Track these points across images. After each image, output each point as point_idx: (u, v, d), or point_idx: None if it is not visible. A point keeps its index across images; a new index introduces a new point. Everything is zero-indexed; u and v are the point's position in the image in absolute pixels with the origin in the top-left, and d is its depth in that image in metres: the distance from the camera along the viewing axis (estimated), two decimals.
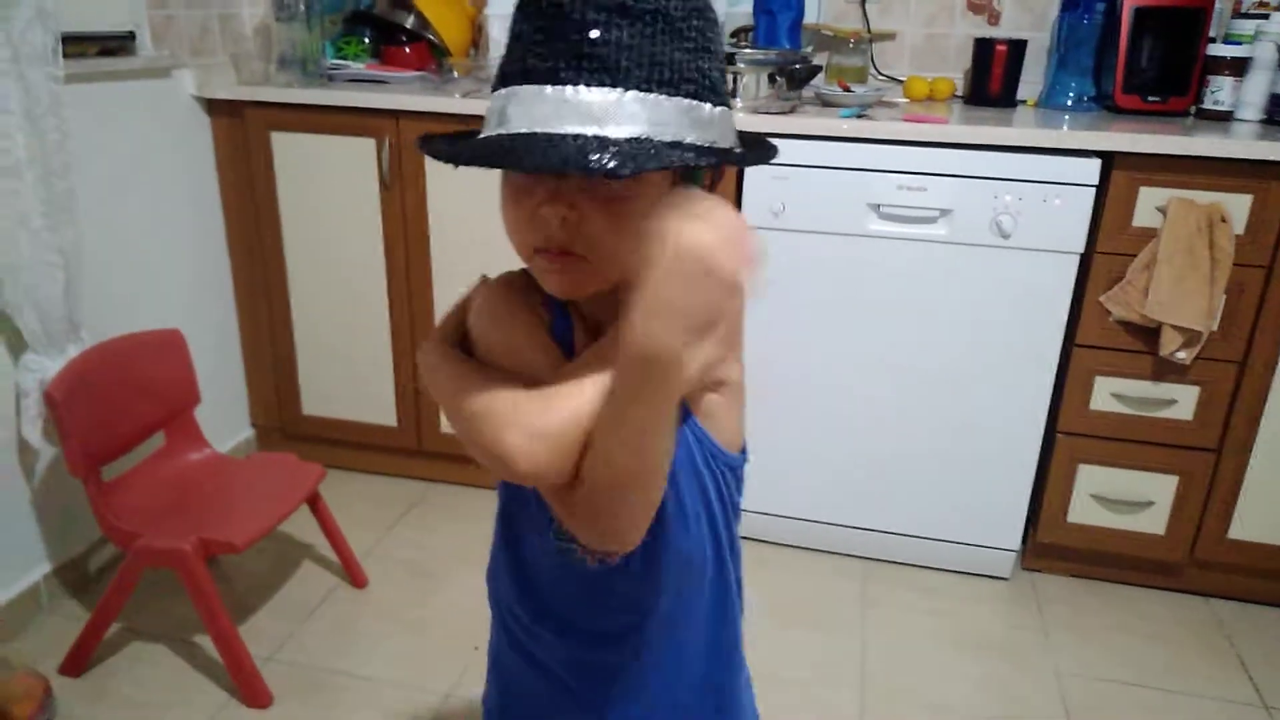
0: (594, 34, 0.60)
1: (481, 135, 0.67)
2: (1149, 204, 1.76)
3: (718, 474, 0.77)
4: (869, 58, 2.28)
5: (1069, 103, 2.14)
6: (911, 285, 1.88)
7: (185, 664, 1.72)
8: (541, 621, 0.83)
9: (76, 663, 1.68)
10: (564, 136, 0.61)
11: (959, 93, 2.30)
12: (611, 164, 0.57)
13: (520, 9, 0.65)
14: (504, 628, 0.89)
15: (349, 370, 2.30)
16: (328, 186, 2.15)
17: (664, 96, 0.62)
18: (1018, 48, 2.11)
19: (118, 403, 1.71)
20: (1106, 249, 1.80)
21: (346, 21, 2.41)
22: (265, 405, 2.42)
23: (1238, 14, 2.03)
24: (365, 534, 2.14)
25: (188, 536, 1.57)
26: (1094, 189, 1.75)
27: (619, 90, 0.61)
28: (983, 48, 2.13)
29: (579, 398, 0.64)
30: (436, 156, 0.65)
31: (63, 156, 1.66)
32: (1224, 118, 2.01)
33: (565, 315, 0.74)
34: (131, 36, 1.99)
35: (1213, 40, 2.01)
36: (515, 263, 0.73)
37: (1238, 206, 1.73)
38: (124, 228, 1.99)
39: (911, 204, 1.83)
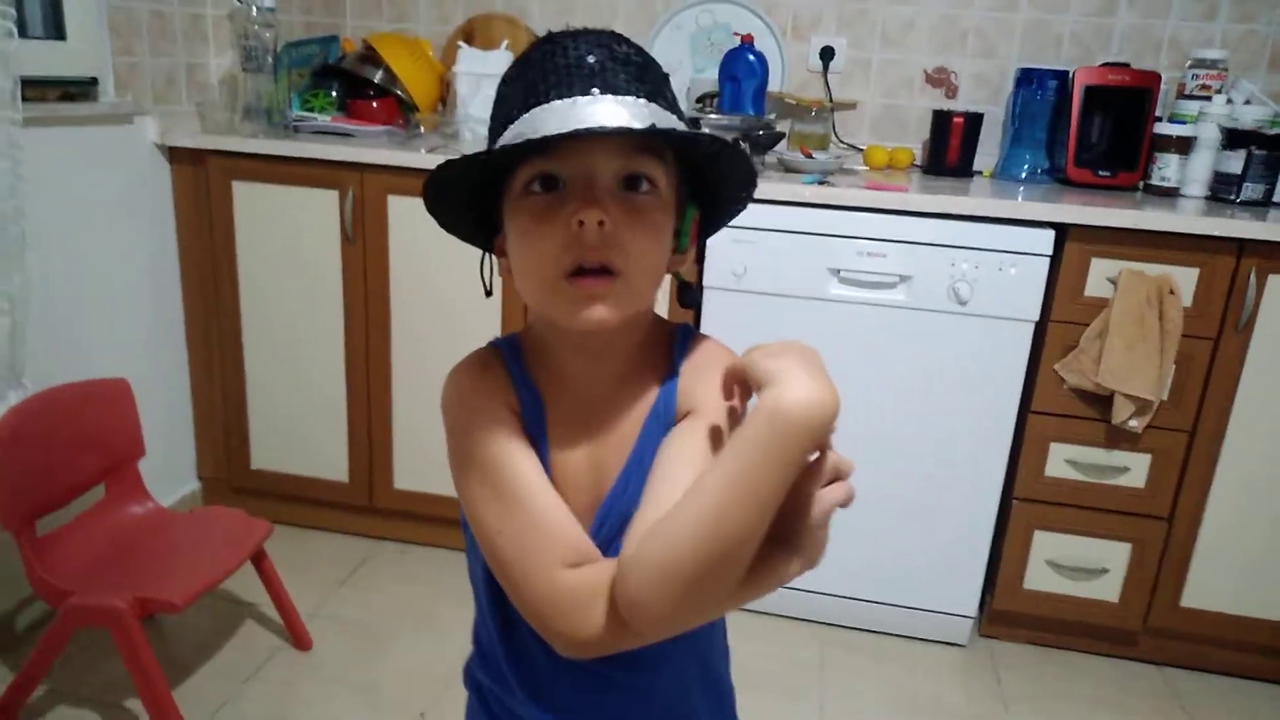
0: (590, 59, 0.67)
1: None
2: (1101, 275, 1.81)
3: None
4: (830, 126, 2.33)
5: (1023, 175, 2.21)
6: (870, 350, 1.89)
7: None
8: (536, 700, 0.79)
9: None
10: (603, 126, 0.65)
11: (918, 162, 2.35)
12: (668, 128, 0.66)
13: (520, 63, 0.69)
14: (483, 705, 0.84)
15: (301, 424, 2.25)
16: (288, 238, 2.13)
17: (666, 111, 0.69)
18: (974, 120, 2.17)
19: (57, 453, 1.65)
20: (1060, 317, 1.84)
21: (315, 75, 2.41)
22: (213, 458, 2.35)
23: (1182, 95, 2.11)
24: (312, 593, 2.07)
25: (123, 594, 1.51)
26: (1048, 259, 1.79)
27: (633, 97, 0.67)
28: (940, 120, 2.19)
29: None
30: (473, 159, 0.65)
31: (15, 201, 1.62)
32: (1171, 193, 2.07)
33: (534, 394, 0.74)
34: (94, 82, 1.98)
35: (1159, 119, 2.09)
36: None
37: (1185, 279, 1.77)
38: (78, 274, 1.95)
39: (871, 269, 1.85)
